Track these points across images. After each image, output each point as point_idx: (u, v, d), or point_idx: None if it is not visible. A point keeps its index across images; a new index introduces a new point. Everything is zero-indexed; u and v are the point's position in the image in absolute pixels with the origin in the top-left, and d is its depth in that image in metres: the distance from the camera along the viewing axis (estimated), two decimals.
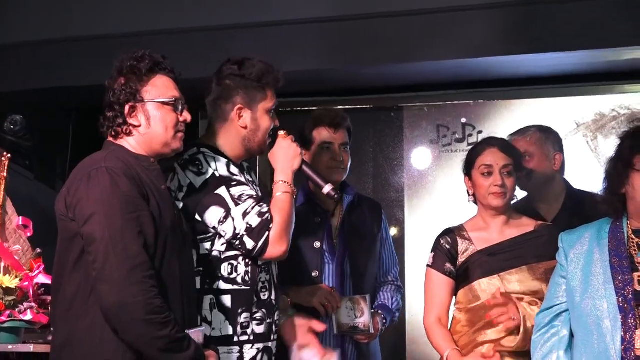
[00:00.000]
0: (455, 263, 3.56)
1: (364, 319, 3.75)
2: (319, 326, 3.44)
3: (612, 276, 3.00)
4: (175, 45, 5.00)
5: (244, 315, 3.16)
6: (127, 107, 2.83)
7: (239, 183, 3.17)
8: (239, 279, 3.17)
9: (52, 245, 2.86)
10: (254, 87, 3.26)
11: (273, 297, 3.27)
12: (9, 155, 3.79)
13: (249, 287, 3.17)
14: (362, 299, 3.74)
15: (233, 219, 3.09)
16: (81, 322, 2.71)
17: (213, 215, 3.12)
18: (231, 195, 3.12)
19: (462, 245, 3.57)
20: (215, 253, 3.16)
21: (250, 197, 3.13)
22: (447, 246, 3.58)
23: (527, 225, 3.58)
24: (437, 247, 3.61)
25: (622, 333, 2.92)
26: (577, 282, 3.08)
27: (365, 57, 4.99)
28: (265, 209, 3.11)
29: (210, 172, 3.17)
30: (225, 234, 3.12)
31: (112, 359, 2.67)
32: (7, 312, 3.32)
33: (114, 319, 2.64)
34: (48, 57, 5.28)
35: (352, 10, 4.91)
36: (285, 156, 3.26)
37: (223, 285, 3.16)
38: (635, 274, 2.98)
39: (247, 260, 3.17)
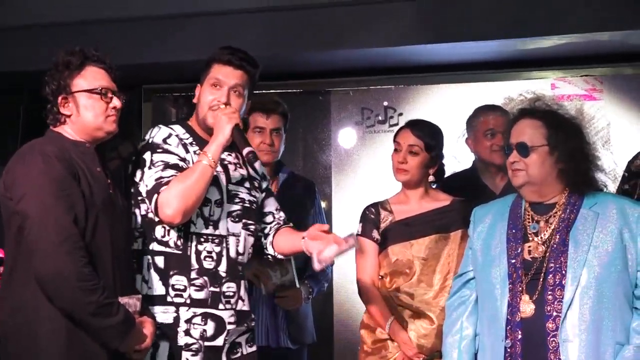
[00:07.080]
0: (379, 231, 3.78)
1: (288, 277, 3.97)
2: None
3: (506, 246, 3.13)
4: (117, 33, 5.12)
5: (176, 277, 3.19)
6: (59, 99, 3.00)
7: (166, 151, 3.22)
8: (171, 243, 3.21)
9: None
10: (206, 65, 3.35)
11: (223, 269, 3.26)
12: None
13: (180, 252, 3.21)
14: (286, 260, 3.83)
15: (144, 182, 3.20)
16: (22, 294, 2.84)
17: (136, 178, 3.25)
18: (151, 160, 3.20)
19: (383, 215, 3.79)
20: (150, 215, 3.22)
21: (165, 163, 3.18)
22: (372, 216, 3.79)
23: (443, 200, 3.80)
24: (364, 218, 3.82)
25: (509, 298, 3.05)
26: (479, 253, 3.24)
27: (298, 45, 5.15)
28: (166, 174, 3.14)
29: (147, 139, 3.29)
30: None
31: (48, 325, 2.80)
32: None
33: (48, 287, 2.77)
34: None
35: (287, 1, 5.09)
36: (217, 129, 3.21)
37: (157, 247, 3.22)
38: (526, 245, 3.10)
39: (180, 226, 3.20)
